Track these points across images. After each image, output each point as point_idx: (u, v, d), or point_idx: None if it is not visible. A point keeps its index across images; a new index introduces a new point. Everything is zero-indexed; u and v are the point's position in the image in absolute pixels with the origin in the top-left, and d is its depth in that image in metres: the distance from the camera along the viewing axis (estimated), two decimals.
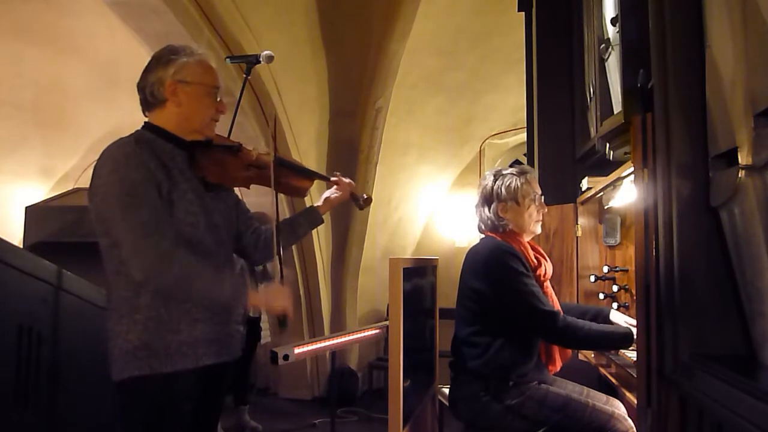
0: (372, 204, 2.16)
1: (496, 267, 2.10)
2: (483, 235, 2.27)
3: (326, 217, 2.02)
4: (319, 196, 2.08)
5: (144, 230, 1.48)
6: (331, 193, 2.01)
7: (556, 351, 2.18)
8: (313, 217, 1.98)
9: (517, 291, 2.05)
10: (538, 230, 2.27)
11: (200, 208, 1.62)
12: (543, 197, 2.26)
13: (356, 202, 2.08)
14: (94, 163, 1.58)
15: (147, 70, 1.64)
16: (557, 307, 2.16)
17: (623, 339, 2.00)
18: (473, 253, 2.22)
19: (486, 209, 2.22)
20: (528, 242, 2.24)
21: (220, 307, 1.65)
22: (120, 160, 1.53)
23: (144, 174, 1.52)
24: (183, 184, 1.59)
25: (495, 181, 2.21)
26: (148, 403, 1.55)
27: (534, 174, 2.26)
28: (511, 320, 2.11)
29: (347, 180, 2.03)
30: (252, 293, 1.66)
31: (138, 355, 1.52)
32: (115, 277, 1.56)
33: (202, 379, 1.63)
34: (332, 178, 2.02)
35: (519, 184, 2.19)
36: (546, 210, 2.31)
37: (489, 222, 2.22)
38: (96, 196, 1.54)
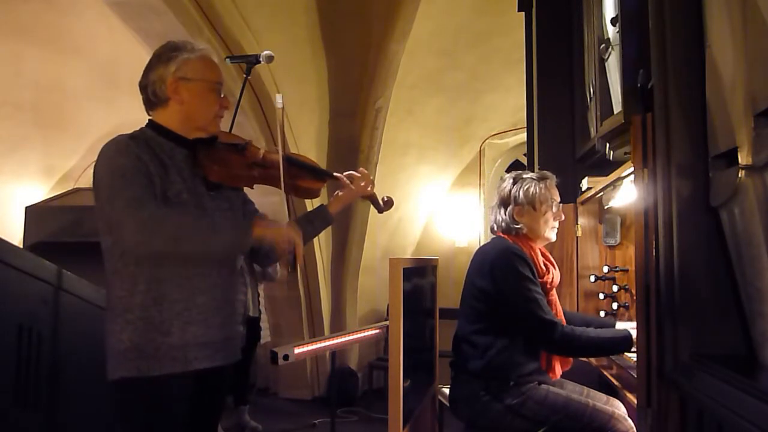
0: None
1: (502, 268, 2.09)
2: (494, 236, 2.27)
3: None
4: (328, 197, 2.01)
5: (131, 202, 1.47)
6: (341, 190, 1.91)
7: (557, 360, 2.17)
8: (322, 216, 1.88)
9: (520, 295, 2.05)
10: (554, 237, 2.26)
11: (197, 207, 1.60)
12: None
13: (376, 206, 1.99)
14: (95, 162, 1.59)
15: (148, 69, 1.63)
16: (560, 316, 2.16)
17: (620, 344, 2.01)
18: (481, 252, 2.22)
19: (502, 211, 2.22)
20: (539, 249, 2.23)
21: (216, 309, 1.62)
22: (112, 151, 1.54)
23: (134, 161, 1.52)
24: (178, 184, 1.58)
25: (514, 184, 2.21)
26: (139, 404, 1.54)
27: (554, 180, 2.25)
28: (514, 322, 2.11)
29: (357, 174, 1.91)
30: (260, 222, 1.60)
31: (128, 356, 1.51)
32: (113, 276, 1.56)
33: (199, 382, 1.61)
34: (340, 177, 1.92)
35: (538, 190, 2.18)
36: (563, 218, 2.30)
37: (503, 224, 2.21)
38: (94, 190, 1.55)
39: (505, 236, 2.21)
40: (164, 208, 1.51)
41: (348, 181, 1.89)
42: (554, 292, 2.23)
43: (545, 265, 2.20)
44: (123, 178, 1.49)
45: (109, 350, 1.55)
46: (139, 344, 1.51)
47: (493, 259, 2.13)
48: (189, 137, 1.65)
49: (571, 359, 2.23)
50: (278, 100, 2.08)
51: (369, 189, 1.91)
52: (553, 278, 2.21)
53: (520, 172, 2.29)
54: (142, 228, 1.46)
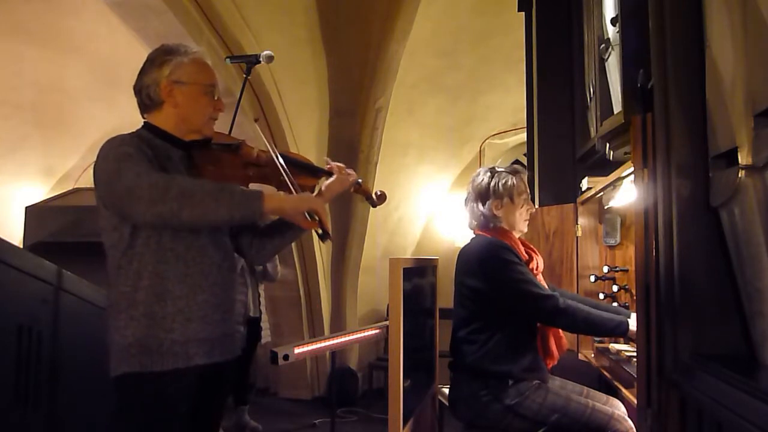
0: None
1: (491, 262, 2.12)
2: (474, 234, 2.29)
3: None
4: None
5: (140, 174, 1.47)
6: (328, 181, 1.85)
7: (553, 343, 2.19)
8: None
9: (515, 280, 2.08)
10: (525, 229, 2.32)
11: None
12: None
13: (369, 200, 1.99)
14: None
15: (142, 72, 1.64)
16: None
17: (618, 326, 2.03)
18: (466, 253, 2.24)
19: (479, 205, 2.25)
20: (518, 239, 2.27)
21: (215, 306, 1.63)
22: (114, 144, 1.55)
23: (136, 150, 1.53)
24: None
25: (492, 177, 2.24)
26: (142, 401, 1.54)
27: (525, 174, 2.31)
28: (510, 314, 2.13)
29: (336, 164, 1.88)
30: (278, 196, 1.56)
31: (131, 351, 1.52)
32: (117, 272, 1.56)
33: (199, 379, 1.62)
34: (327, 167, 1.89)
35: (514, 183, 2.23)
36: (534, 209, 2.36)
37: (482, 218, 2.25)
38: (97, 180, 1.55)
39: (484, 233, 2.25)
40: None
41: (332, 170, 1.87)
42: (541, 277, 2.27)
43: (528, 252, 2.25)
44: (130, 160, 1.50)
45: (111, 347, 1.56)
46: (141, 340, 1.52)
47: (479, 256, 2.16)
48: (184, 139, 1.67)
49: (565, 343, 2.26)
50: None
51: (352, 180, 1.88)
52: (537, 264, 2.25)
53: (492, 166, 2.34)
54: (155, 186, 1.45)
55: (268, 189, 1.59)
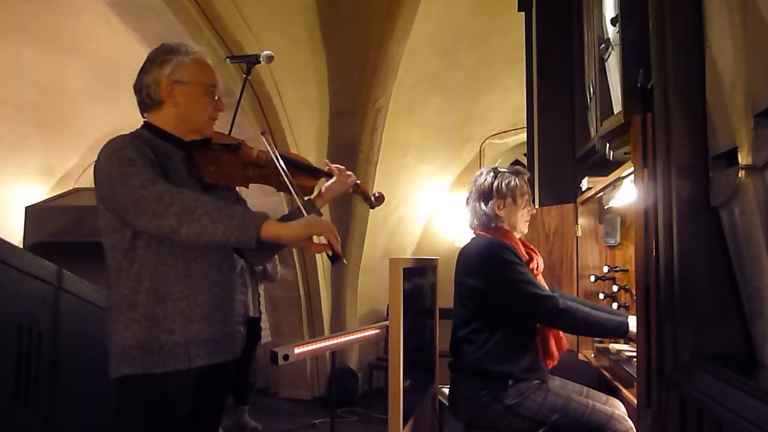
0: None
1: (491, 262, 2.13)
2: (474, 234, 2.30)
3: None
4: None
5: (145, 182, 1.46)
6: (328, 183, 1.90)
7: (553, 343, 2.19)
8: (310, 209, 1.83)
9: (515, 280, 2.08)
10: (526, 230, 2.33)
11: None
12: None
13: (368, 201, 2.00)
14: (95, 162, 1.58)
15: (142, 72, 1.64)
16: None
17: (617, 327, 2.03)
18: (466, 253, 2.24)
19: (482, 204, 2.25)
20: (519, 239, 2.27)
21: (216, 307, 1.63)
22: (115, 146, 1.54)
23: (139, 154, 1.52)
24: (177, 184, 1.57)
25: (495, 178, 2.25)
26: (143, 402, 1.54)
27: (526, 175, 2.32)
28: (510, 314, 2.13)
29: (336, 166, 1.91)
30: (277, 224, 1.48)
31: (132, 353, 1.52)
32: (117, 274, 1.56)
33: (201, 381, 1.62)
34: (326, 168, 1.93)
35: (517, 183, 2.24)
36: (534, 211, 2.37)
37: (484, 218, 2.26)
38: (99, 183, 1.54)
39: (485, 233, 2.25)
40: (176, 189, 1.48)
41: (337, 172, 1.89)
42: (541, 277, 2.27)
43: (528, 253, 2.25)
44: (133, 165, 1.49)
45: (112, 348, 1.56)
46: (143, 342, 1.52)
47: (479, 256, 2.17)
48: (184, 139, 1.67)
49: (565, 343, 2.26)
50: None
51: (351, 181, 1.90)
52: (537, 264, 2.26)
53: (495, 166, 2.35)
54: (159, 199, 1.43)
55: (273, 215, 1.54)
